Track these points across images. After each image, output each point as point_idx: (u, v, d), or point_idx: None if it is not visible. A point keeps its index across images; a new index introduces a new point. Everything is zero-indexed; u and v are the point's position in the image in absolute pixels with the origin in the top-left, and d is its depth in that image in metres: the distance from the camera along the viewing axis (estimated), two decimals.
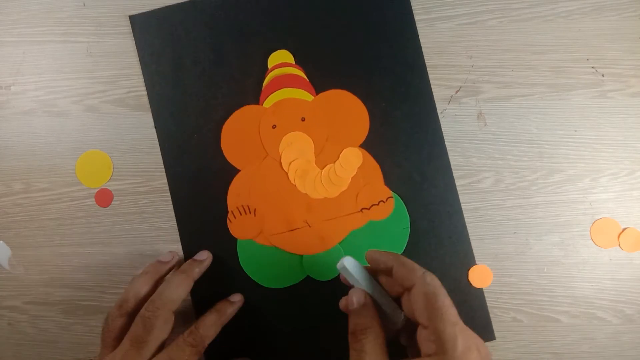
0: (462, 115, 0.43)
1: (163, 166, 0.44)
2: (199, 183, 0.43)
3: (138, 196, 0.44)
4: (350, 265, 0.32)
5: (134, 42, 0.44)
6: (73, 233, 0.44)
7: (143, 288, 0.39)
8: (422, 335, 0.29)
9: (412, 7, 0.43)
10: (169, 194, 0.44)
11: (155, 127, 0.44)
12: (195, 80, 0.44)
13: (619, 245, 0.42)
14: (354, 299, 0.32)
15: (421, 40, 0.43)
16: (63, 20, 0.45)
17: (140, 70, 0.44)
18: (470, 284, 0.42)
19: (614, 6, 0.43)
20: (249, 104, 0.43)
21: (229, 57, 0.44)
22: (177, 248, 0.44)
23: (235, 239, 0.43)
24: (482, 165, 0.42)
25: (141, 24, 0.44)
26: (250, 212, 0.42)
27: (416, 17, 0.43)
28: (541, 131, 0.43)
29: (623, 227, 0.42)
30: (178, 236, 0.44)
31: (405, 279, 0.31)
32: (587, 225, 0.42)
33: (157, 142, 0.44)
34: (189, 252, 0.43)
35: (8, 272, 0.45)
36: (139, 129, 0.44)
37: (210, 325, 0.38)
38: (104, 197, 0.44)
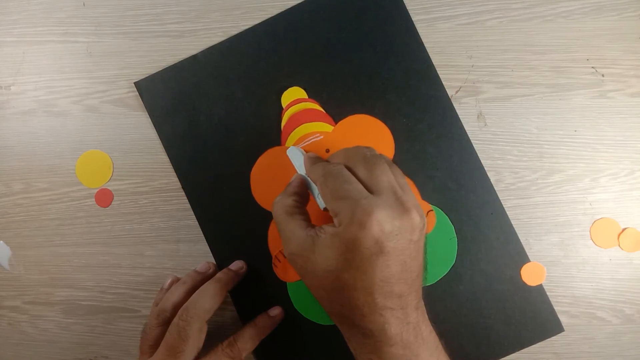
0: (462, 116, 0.42)
1: (198, 224, 0.43)
2: (237, 234, 0.43)
3: (138, 196, 0.44)
4: (291, 155, 0.39)
5: (134, 43, 0.44)
6: (73, 233, 0.44)
7: (180, 298, 0.39)
8: (329, 212, 0.33)
9: (413, 7, 0.43)
10: (169, 194, 0.44)
11: (183, 188, 0.43)
12: (213, 133, 0.43)
13: (619, 245, 0.42)
14: (291, 179, 0.38)
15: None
16: (63, 20, 0.45)
17: (155, 132, 0.44)
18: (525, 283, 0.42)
19: (614, 6, 0.43)
20: (271, 147, 0.43)
21: (242, 103, 0.43)
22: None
23: (285, 283, 0.43)
24: (483, 165, 0.42)
25: (147, 88, 0.44)
26: None
27: (416, 17, 0.43)
28: (541, 131, 0.43)
29: (623, 227, 0.42)
30: (178, 236, 0.44)
31: (315, 182, 0.35)
32: (587, 225, 0.42)
33: (157, 142, 0.44)
34: (241, 304, 0.43)
35: (8, 272, 0.45)
36: (139, 129, 0.44)
37: (249, 338, 0.39)
38: (104, 197, 0.44)
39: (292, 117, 0.43)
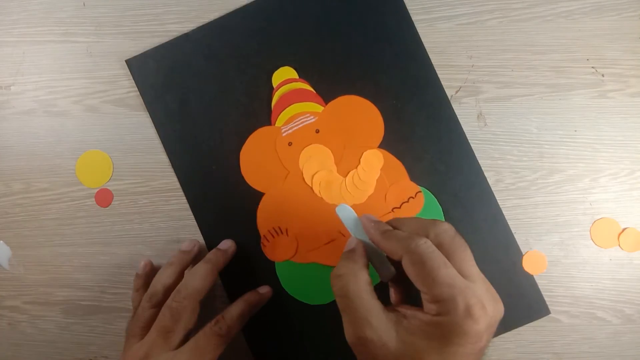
0: (462, 116, 0.43)
1: (188, 204, 0.43)
2: (225, 213, 0.43)
3: (138, 196, 0.44)
4: (343, 215, 0.34)
5: (134, 43, 0.44)
6: (73, 233, 0.44)
7: (170, 279, 0.39)
8: (422, 295, 0.29)
9: (413, 7, 0.43)
10: (169, 194, 0.44)
11: (172, 166, 0.43)
12: (203, 112, 0.43)
13: (619, 245, 0.42)
14: (346, 244, 0.34)
15: (421, 40, 0.43)
16: (63, 20, 0.45)
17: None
18: (523, 269, 0.42)
19: (614, 6, 0.43)
20: (261, 126, 0.43)
21: (233, 82, 0.43)
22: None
23: (273, 263, 0.43)
24: (482, 165, 0.42)
25: (138, 67, 0.44)
26: (282, 233, 0.42)
27: (416, 17, 0.43)
28: (541, 131, 0.43)
29: (623, 227, 0.42)
30: (178, 236, 0.44)
31: (392, 254, 0.31)
32: (587, 225, 0.42)
33: (157, 142, 0.44)
34: (229, 284, 0.43)
35: (8, 272, 0.45)
36: (139, 129, 0.44)
37: (237, 315, 0.39)
38: (104, 197, 0.44)
39: (283, 97, 0.43)
